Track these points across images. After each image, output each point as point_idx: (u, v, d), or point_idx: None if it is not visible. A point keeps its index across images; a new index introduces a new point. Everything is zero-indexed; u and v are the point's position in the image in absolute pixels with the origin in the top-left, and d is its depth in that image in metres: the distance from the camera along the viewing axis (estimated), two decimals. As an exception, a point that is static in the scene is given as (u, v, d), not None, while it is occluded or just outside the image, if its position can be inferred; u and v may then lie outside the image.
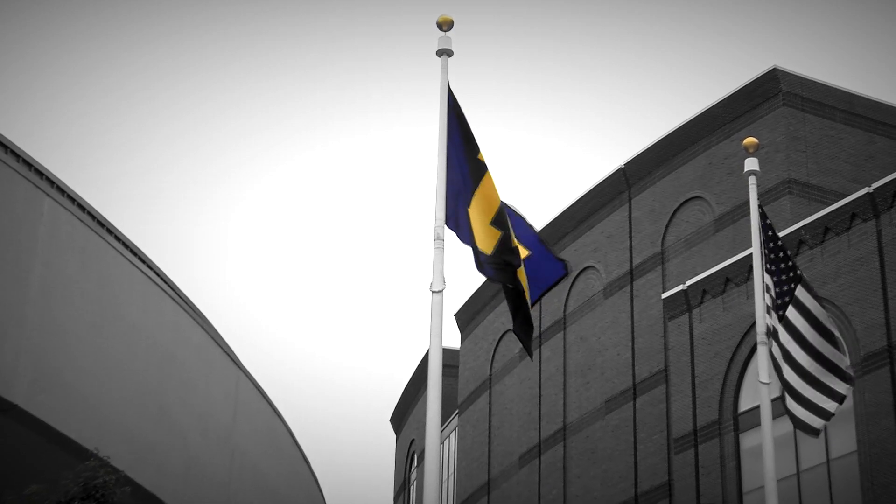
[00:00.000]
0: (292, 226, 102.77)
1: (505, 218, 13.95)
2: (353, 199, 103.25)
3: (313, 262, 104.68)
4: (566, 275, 14.30)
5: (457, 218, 14.16)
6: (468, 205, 14.14)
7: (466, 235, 14.06)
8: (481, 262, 13.99)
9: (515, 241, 13.90)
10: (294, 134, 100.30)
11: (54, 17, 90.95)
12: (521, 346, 14.80)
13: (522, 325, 14.10)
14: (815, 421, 18.80)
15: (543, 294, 14.31)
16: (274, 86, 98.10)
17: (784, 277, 19.17)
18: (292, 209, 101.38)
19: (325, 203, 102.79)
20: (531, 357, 14.60)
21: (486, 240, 13.98)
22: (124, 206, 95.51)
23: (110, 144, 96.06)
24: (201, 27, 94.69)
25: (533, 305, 14.11)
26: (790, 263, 19.16)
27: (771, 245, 19.37)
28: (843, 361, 19.05)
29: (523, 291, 13.94)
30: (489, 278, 14.15)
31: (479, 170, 14.26)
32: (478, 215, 14.05)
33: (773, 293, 19.11)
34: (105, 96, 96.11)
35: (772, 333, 18.93)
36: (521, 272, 13.92)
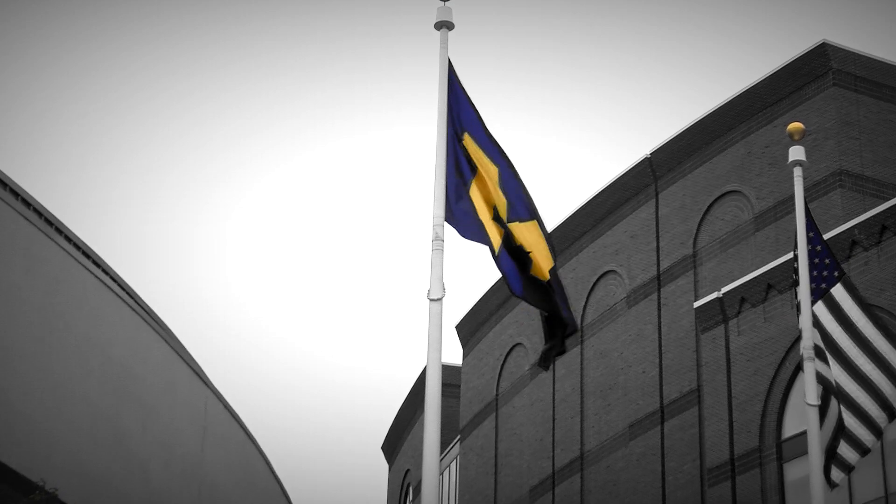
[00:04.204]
0: (292, 226, 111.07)
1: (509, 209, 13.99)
2: (353, 200, 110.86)
3: (313, 263, 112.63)
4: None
5: (457, 214, 14.13)
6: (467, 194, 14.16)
7: (472, 232, 14.05)
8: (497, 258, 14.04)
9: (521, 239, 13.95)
10: (294, 134, 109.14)
11: (54, 17, 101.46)
12: (543, 355, 14.73)
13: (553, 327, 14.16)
14: (850, 456, 18.97)
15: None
16: (274, 86, 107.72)
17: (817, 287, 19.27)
18: (292, 209, 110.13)
19: (325, 203, 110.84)
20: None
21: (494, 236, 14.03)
22: (124, 206, 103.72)
23: (110, 144, 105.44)
24: (201, 27, 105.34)
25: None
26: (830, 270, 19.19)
27: (816, 258, 19.37)
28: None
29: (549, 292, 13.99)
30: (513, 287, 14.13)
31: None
32: (481, 206, 14.10)
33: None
34: (105, 96, 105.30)
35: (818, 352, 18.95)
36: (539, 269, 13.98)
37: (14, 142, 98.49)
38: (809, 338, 19.09)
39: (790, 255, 33.70)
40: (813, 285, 19.41)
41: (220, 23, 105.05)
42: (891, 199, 33.57)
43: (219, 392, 27.48)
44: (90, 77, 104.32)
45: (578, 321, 45.17)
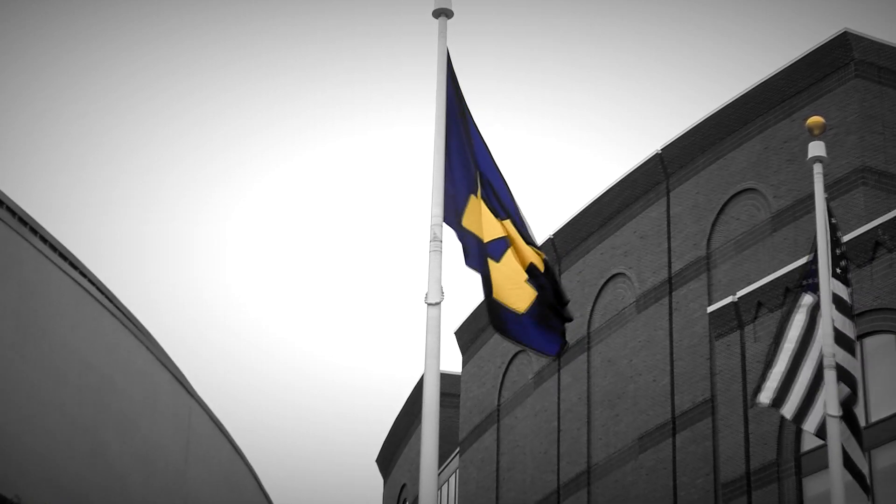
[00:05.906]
0: (292, 226, 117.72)
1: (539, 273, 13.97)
2: (352, 200, 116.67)
3: (313, 263, 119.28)
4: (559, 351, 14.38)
5: (458, 223, 14.09)
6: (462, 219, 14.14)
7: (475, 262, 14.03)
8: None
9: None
10: (294, 134, 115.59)
11: (54, 17, 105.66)
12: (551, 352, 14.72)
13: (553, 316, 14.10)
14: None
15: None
16: (274, 86, 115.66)
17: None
18: (292, 209, 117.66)
19: (325, 203, 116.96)
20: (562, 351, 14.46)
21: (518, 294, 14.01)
22: (124, 206, 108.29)
23: (110, 144, 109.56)
24: (201, 27, 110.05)
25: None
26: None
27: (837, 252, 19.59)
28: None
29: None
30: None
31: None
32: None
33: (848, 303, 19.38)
34: (105, 96, 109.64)
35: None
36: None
37: (14, 142, 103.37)
38: (830, 345, 19.07)
39: (809, 258, 33.64)
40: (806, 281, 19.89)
41: (220, 23, 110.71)
42: (916, 197, 33.58)
43: (204, 402, 27.42)
44: (90, 77, 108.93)
45: (585, 326, 45.14)
